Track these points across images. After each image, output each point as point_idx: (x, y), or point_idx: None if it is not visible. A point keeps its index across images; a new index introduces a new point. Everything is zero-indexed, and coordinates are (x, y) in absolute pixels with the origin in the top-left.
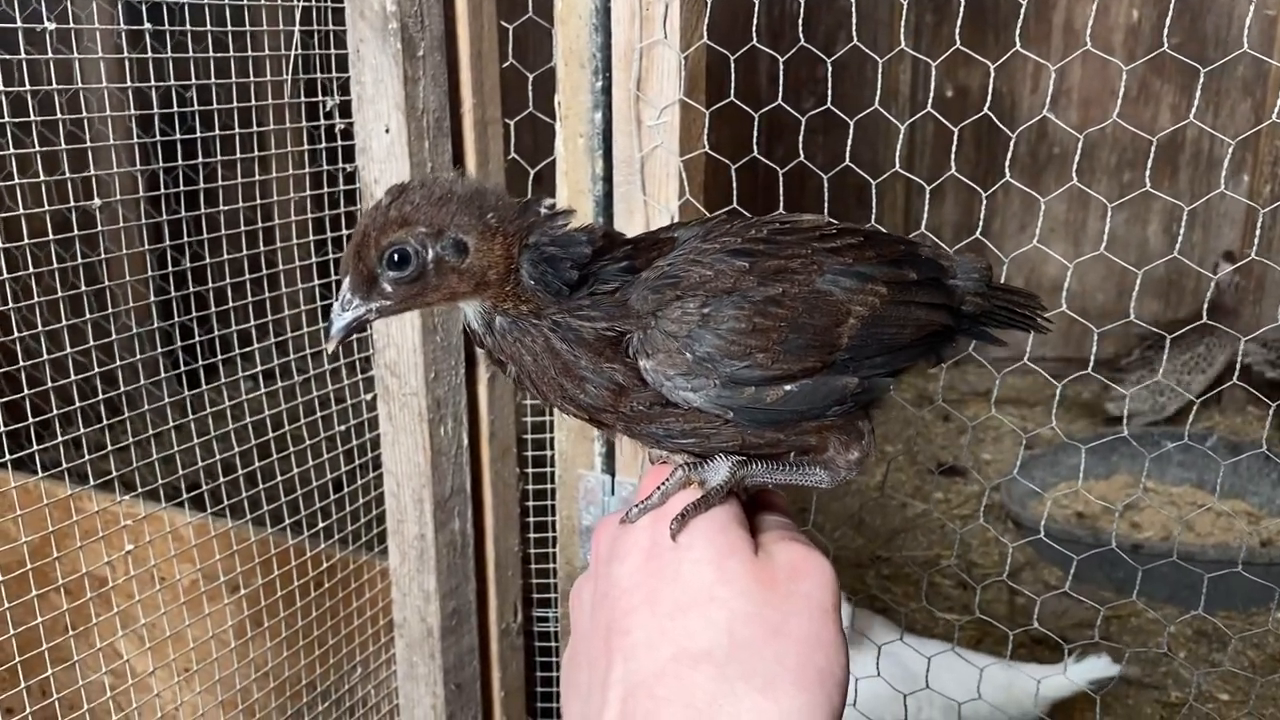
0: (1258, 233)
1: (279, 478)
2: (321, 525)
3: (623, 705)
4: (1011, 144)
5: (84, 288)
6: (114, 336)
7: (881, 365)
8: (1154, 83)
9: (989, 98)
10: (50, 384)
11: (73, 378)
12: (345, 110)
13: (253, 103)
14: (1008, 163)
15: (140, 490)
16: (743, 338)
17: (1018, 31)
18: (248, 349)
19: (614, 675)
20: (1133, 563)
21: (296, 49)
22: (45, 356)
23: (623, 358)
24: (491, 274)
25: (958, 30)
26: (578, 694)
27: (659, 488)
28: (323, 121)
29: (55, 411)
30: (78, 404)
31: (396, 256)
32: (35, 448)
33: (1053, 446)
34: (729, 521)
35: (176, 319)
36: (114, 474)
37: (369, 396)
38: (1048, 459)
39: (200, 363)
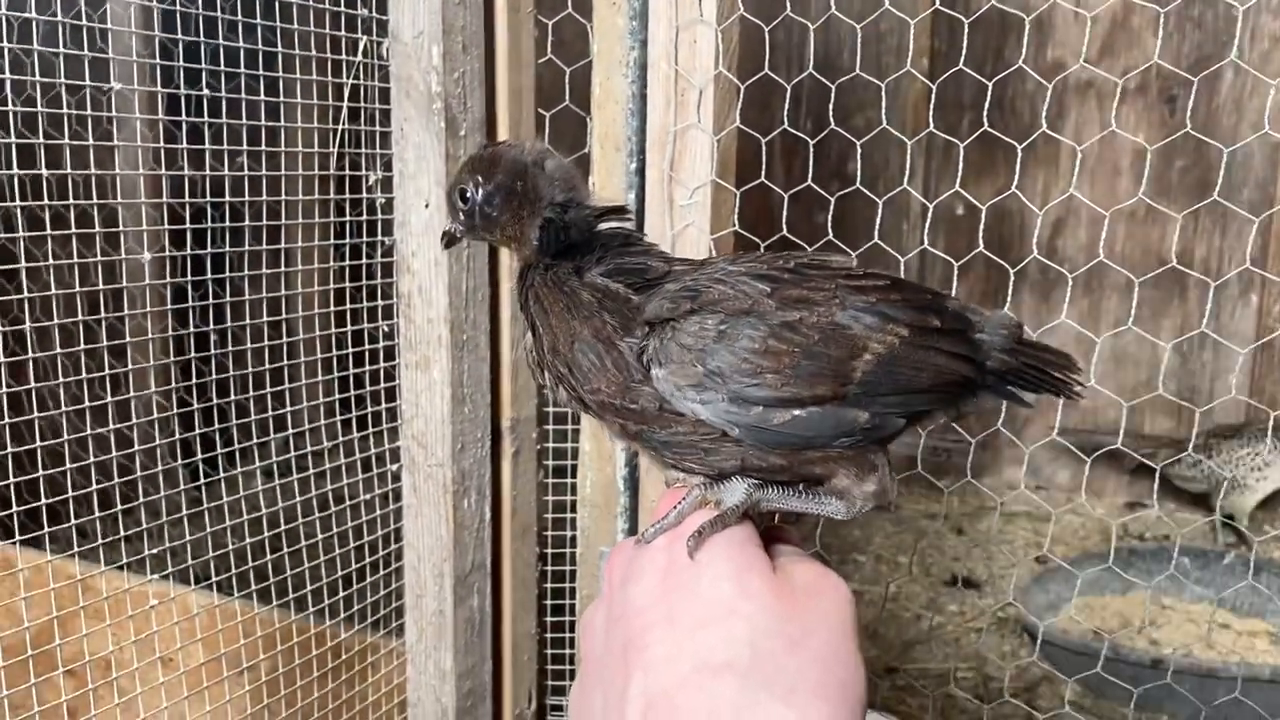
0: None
1: (289, 571)
2: (325, 606)
3: (643, 718)
4: (1019, 265)
5: (105, 369)
6: (134, 420)
7: (895, 405)
8: (1162, 202)
9: (982, 223)
10: (69, 464)
11: (92, 458)
12: (381, 186)
13: (282, 196)
14: (1009, 289)
15: (152, 577)
16: (755, 357)
17: (1018, 160)
18: (265, 440)
19: (633, 689)
20: (1153, 680)
21: (344, 123)
22: (66, 436)
23: (633, 356)
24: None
25: (962, 154)
26: (592, 718)
27: (675, 508)
28: (365, 195)
29: (69, 494)
30: (95, 485)
31: (459, 194)
32: (46, 530)
33: (1067, 561)
34: (746, 540)
35: (195, 405)
36: (124, 562)
37: (380, 492)
38: (1063, 574)
39: (219, 450)
